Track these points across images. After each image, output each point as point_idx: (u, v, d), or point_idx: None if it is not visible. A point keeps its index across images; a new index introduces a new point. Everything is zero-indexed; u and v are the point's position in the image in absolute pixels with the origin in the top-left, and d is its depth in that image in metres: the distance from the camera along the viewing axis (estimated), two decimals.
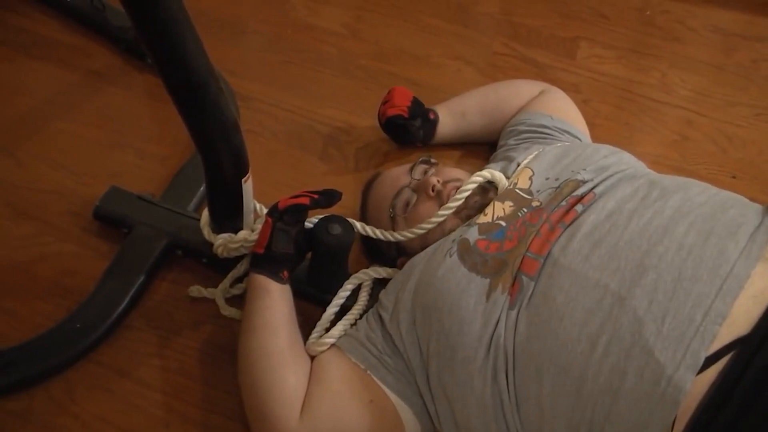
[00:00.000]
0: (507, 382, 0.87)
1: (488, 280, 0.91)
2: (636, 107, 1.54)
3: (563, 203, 0.97)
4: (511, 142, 1.29)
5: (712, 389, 0.76)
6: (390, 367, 0.98)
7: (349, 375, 0.98)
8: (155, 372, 1.09)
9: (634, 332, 0.80)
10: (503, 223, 0.98)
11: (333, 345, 1.03)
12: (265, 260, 1.04)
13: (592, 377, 0.81)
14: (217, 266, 1.17)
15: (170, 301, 1.17)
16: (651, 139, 1.49)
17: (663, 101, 1.56)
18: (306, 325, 1.07)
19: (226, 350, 1.10)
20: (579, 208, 0.95)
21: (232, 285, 1.16)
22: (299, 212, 1.05)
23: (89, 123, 1.40)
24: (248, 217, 1.11)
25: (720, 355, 0.77)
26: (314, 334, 1.06)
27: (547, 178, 1.05)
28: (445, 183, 1.11)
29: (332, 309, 1.09)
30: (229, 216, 1.10)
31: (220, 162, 1.00)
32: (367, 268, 1.14)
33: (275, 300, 1.02)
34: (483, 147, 1.40)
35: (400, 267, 1.13)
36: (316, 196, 1.05)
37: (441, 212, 1.07)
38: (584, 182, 1.00)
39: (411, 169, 1.16)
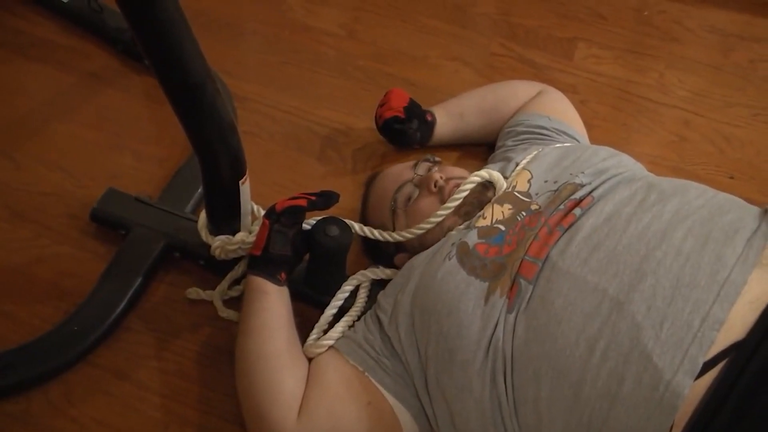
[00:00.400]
0: (505, 385, 0.87)
1: (487, 284, 0.91)
2: (633, 108, 1.54)
3: (561, 207, 0.97)
4: (510, 143, 1.29)
5: (708, 394, 0.76)
6: (388, 369, 0.97)
7: (347, 377, 0.98)
8: (153, 374, 1.09)
9: (632, 337, 0.80)
10: (502, 227, 0.98)
11: (331, 347, 1.03)
12: (262, 262, 1.04)
13: (590, 382, 0.81)
14: (215, 268, 1.17)
15: (168, 303, 1.17)
16: (648, 140, 1.49)
17: (660, 102, 1.56)
18: (304, 326, 1.07)
19: (224, 352, 1.10)
20: (577, 211, 0.95)
21: (229, 287, 1.16)
22: (297, 214, 1.05)
23: (87, 125, 1.40)
24: (246, 218, 1.11)
25: (717, 361, 0.78)
26: (312, 336, 1.06)
27: (545, 181, 1.05)
28: (447, 180, 1.11)
29: (330, 311, 1.09)
30: (227, 218, 1.10)
31: (218, 163, 1.00)
32: (366, 269, 1.14)
33: (272, 302, 1.02)
34: (481, 148, 1.40)
35: (398, 263, 1.14)
36: (313, 198, 1.05)
37: (439, 212, 1.07)
38: (582, 186, 1.00)
39: (414, 166, 1.17)
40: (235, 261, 1.15)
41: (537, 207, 1.00)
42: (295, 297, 1.07)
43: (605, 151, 1.10)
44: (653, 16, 1.75)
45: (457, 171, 1.17)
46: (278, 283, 1.04)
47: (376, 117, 1.37)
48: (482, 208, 1.05)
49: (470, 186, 1.08)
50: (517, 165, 1.12)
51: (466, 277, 0.93)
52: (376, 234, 1.12)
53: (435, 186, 1.11)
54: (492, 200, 1.06)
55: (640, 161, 1.13)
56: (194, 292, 1.16)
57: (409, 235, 1.10)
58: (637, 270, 0.84)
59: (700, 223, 0.88)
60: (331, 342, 1.03)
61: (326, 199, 1.06)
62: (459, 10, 1.72)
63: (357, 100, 1.49)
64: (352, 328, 1.06)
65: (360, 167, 1.39)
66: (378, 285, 1.12)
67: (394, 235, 1.11)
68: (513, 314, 0.88)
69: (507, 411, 0.87)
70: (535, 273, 0.89)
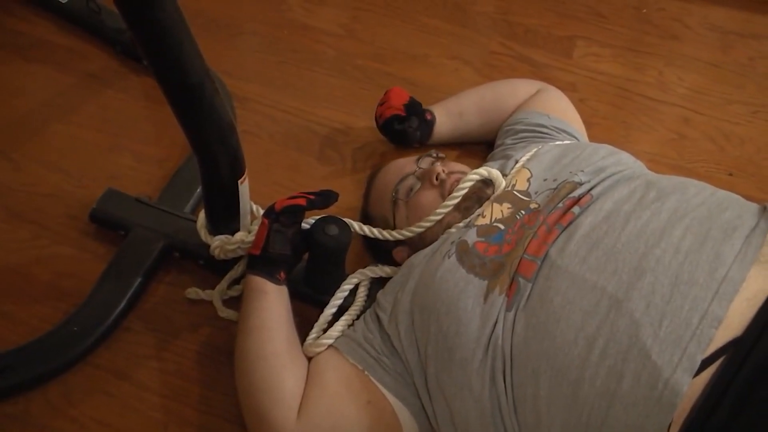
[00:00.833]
0: (505, 383, 0.87)
1: (486, 282, 0.91)
2: (633, 106, 1.54)
3: (560, 205, 0.97)
4: (509, 141, 1.29)
5: (706, 391, 0.77)
6: (388, 368, 0.97)
7: (346, 376, 0.98)
8: (153, 374, 1.09)
9: (631, 335, 0.80)
10: (501, 226, 0.98)
11: (330, 346, 1.03)
12: (261, 261, 1.04)
13: (589, 380, 0.81)
14: (215, 268, 1.17)
15: (168, 303, 1.17)
16: (648, 138, 1.48)
17: (660, 99, 1.56)
18: (303, 326, 1.07)
19: (224, 352, 1.10)
20: (576, 210, 0.95)
21: (229, 287, 1.16)
22: (296, 213, 1.05)
23: (86, 125, 1.40)
24: (245, 218, 1.11)
25: (715, 358, 0.78)
26: (312, 335, 1.06)
27: (545, 179, 1.05)
28: (449, 174, 1.12)
29: (330, 310, 1.09)
30: (226, 217, 1.10)
31: (217, 163, 1.00)
32: (365, 267, 1.14)
33: (272, 301, 1.02)
34: (480, 146, 1.40)
35: (396, 256, 1.14)
36: (312, 197, 1.05)
37: (439, 210, 1.08)
38: (581, 184, 1.00)
39: (418, 160, 1.18)
40: (235, 261, 1.15)
41: (536, 206, 1.00)
42: (295, 296, 1.07)
43: (605, 149, 1.10)
44: (652, 13, 1.75)
45: (460, 166, 1.17)
46: (277, 282, 1.04)
47: (376, 115, 1.37)
48: (481, 204, 1.06)
49: (468, 184, 1.08)
50: (516, 163, 1.12)
51: (465, 275, 0.93)
52: (375, 233, 1.13)
53: (437, 179, 1.11)
54: (491, 199, 1.06)
55: (639, 159, 1.13)
56: (194, 292, 1.16)
57: (408, 234, 1.10)
58: (636, 268, 0.84)
59: (698, 221, 0.88)
60: (330, 341, 1.03)
61: (325, 198, 1.06)
62: (458, 9, 1.72)
63: (356, 99, 1.49)
64: (351, 327, 1.06)
65: (359, 167, 1.39)
66: (377, 284, 1.12)
67: (394, 233, 1.12)
68: (512, 312, 0.88)
69: (506, 409, 0.87)
70: (534, 271, 0.89)
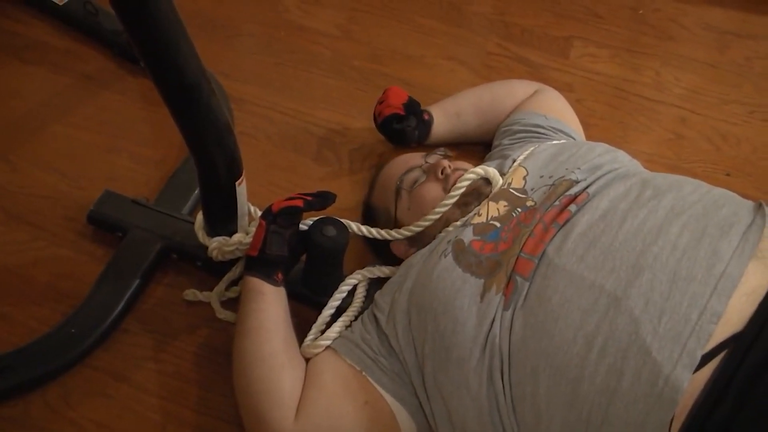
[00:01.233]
0: (503, 382, 0.87)
1: (482, 281, 0.91)
2: (630, 106, 1.54)
3: (557, 203, 0.97)
4: (506, 141, 1.29)
5: (707, 387, 0.77)
6: (385, 369, 0.97)
7: (344, 376, 0.98)
8: (151, 376, 1.09)
9: (630, 332, 0.80)
10: (497, 224, 0.99)
11: (328, 347, 1.03)
12: (259, 263, 1.04)
13: (589, 378, 0.81)
14: (212, 269, 1.17)
15: (165, 304, 1.17)
16: (645, 138, 1.49)
17: (657, 100, 1.56)
18: (301, 327, 1.07)
19: (222, 353, 1.10)
20: (572, 208, 0.95)
21: (227, 288, 1.16)
22: (293, 214, 1.05)
23: (83, 127, 1.40)
24: (242, 219, 1.11)
25: (715, 353, 0.78)
26: (309, 336, 1.06)
27: (541, 176, 1.06)
28: (455, 170, 1.12)
29: (328, 311, 1.09)
30: (224, 219, 1.10)
31: (214, 165, 1.00)
32: (363, 268, 1.14)
33: (269, 302, 1.02)
34: (478, 147, 1.40)
35: (395, 249, 1.14)
36: (310, 198, 1.05)
37: (437, 209, 1.08)
38: (578, 182, 1.00)
39: (426, 155, 1.19)
40: (233, 262, 1.15)
41: (532, 203, 1.00)
42: (292, 297, 1.07)
43: (601, 147, 1.10)
44: (649, 14, 1.75)
45: (466, 165, 1.17)
46: (275, 283, 1.04)
47: (375, 115, 1.37)
48: (481, 202, 1.06)
49: (466, 183, 1.09)
50: (513, 162, 1.13)
51: (461, 274, 0.93)
52: (374, 233, 1.13)
53: (442, 173, 1.12)
54: (488, 197, 1.06)
55: (637, 159, 1.13)
56: (191, 294, 1.16)
57: (407, 233, 1.10)
58: (634, 265, 0.84)
59: (695, 218, 0.88)
60: (328, 342, 1.03)
61: (323, 199, 1.06)
62: (455, 9, 1.72)
63: (353, 100, 1.49)
64: (349, 328, 1.06)
65: (357, 167, 1.39)
66: (376, 284, 1.12)
67: (393, 233, 1.12)
68: (510, 311, 0.88)
69: (504, 408, 0.87)
70: (531, 270, 0.89)
